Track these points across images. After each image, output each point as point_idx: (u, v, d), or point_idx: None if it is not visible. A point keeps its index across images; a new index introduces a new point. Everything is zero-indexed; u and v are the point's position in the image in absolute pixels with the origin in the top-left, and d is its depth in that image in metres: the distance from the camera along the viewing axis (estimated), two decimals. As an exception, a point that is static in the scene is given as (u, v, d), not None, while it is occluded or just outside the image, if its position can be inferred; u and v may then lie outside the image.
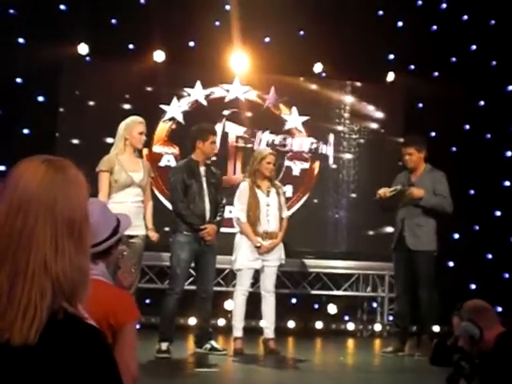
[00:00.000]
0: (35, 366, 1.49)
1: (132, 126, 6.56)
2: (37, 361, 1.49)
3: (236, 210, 7.26)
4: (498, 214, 9.45)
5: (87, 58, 8.99)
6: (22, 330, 1.47)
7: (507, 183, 9.52)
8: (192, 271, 7.41)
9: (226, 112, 9.27)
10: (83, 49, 8.82)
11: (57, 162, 1.61)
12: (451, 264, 9.42)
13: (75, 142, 9.00)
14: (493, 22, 9.52)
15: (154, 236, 6.64)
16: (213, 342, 7.04)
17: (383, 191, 7.39)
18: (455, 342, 3.71)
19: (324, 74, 9.51)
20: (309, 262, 9.02)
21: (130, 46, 9.08)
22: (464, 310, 3.69)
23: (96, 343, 1.55)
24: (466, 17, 9.56)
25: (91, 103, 9.08)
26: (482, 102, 9.66)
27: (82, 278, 1.55)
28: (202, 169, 7.02)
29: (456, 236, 9.45)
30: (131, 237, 6.29)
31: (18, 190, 1.54)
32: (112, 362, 1.57)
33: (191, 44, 9.22)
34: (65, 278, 1.51)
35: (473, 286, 9.29)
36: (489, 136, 9.60)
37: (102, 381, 1.52)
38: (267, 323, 7.22)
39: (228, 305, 8.18)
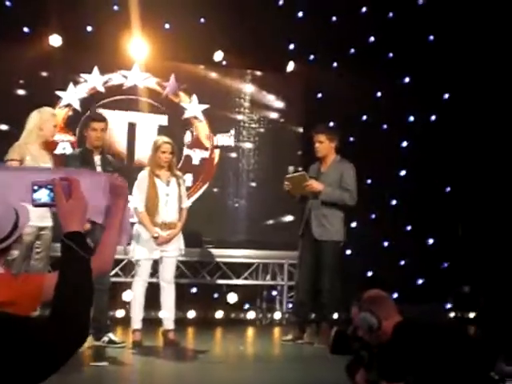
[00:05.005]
0: None
1: (48, 118, 6.49)
2: None
3: (134, 200, 7.11)
4: (394, 202, 9.67)
5: (-21, 41, 8.63)
6: None
7: (403, 172, 9.74)
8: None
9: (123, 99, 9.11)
10: (-26, 31, 8.47)
11: None
12: (348, 252, 9.58)
13: (-34, 128, 8.64)
14: (391, 14, 9.71)
15: None
16: (111, 335, 6.91)
17: (288, 176, 7.40)
18: (355, 331, 3.76)
19: (225, 63, 9.46)
20: (209, 251, 8.99)
21: (25, 30, 8.73)
22: (363, 300, 3.74)
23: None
24: (364, 9, 9.69)
25: (-17, 88, 8.72)
26: (379, 93, 9.84)
27: None
28: (97, 158, 6.83)
29: (353, 224, 9.60)
30: (41, 228, 6.25)
31: None
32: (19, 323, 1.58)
33: (89, 29, 8.95)
34: None
35: (369, 273, 9.48)
36: (385, 126, 9.79)
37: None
38: (167, 314, 7.13)
39: (126, 296, 8.05)
